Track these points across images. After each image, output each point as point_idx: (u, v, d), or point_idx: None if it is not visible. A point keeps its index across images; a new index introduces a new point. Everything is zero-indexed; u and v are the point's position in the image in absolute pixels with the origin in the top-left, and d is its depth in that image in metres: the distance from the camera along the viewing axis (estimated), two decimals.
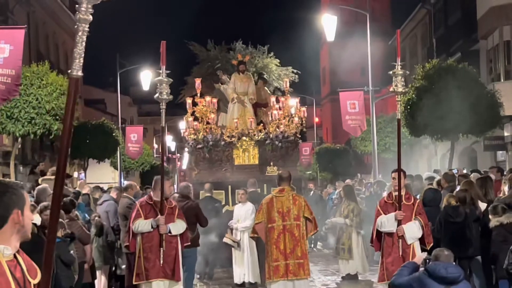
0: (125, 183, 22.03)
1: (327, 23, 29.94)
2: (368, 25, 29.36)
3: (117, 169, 40.91)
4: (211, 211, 15.96)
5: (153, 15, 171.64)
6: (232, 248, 16.00)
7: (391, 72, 10.72)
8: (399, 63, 10.63)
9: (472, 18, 33.50)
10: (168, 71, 10.53)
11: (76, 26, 3.68)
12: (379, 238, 11.31)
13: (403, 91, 10.86)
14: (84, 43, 3.68)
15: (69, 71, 3.69)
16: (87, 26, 3.67)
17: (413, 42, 49.49)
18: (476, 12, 32.67)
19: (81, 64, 3.67)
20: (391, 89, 10.90)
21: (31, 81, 22.37)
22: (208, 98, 19.61)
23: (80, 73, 3.67)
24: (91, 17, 3.68)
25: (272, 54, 22.61)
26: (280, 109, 19.68)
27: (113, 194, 16.38)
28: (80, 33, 3.67)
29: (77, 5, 3.67)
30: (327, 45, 71.00)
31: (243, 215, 15.75)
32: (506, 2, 29.24)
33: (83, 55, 3.67)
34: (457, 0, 37.72)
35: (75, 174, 39.18)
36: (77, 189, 17.21)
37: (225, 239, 15.89)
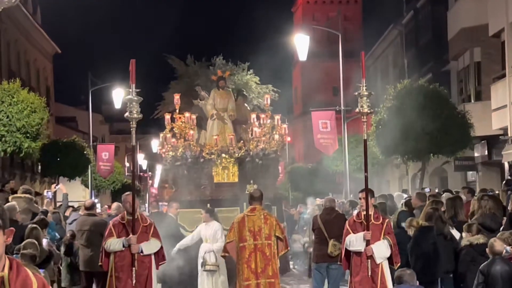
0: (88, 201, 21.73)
1: (300, 42, 30.04)
2: (340, 45, 29.53)
3: (88, 188, 40.64)
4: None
5: (128, 32, 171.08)
6: (200, 272, 15.54)
7: (356, 93, 10.78)
8: (364, 84, 10.70)
9: (443, 39, 33.81)
10: (137, 90, 10.34)
11: None
12: (347, 257, 11.29)
13: (369, 112, 10.90)
14: None
15: None
16: None
17: (385, 62, 49.82)
18: (447, 34, 32.97)
19: None
20: (356, 110, 10.92)
21: (1, 98, 22.21)
22: (187, 114, 19.15)
23: None
24: None
25: (251, 71, 22.45)
26: (260, 126, 19.39)
27: (82, 212, 16.22)
28: None
29: None
30: (299, 64, 71.38)
31: (211, 235, 15.28)
32: (477, 24, 29.51)
33: None
34: (428, 21, 38.07)
35: (45, 193, 38.85)
36: (44, 207, 17.02)
37: (207, 267, 15.16)
